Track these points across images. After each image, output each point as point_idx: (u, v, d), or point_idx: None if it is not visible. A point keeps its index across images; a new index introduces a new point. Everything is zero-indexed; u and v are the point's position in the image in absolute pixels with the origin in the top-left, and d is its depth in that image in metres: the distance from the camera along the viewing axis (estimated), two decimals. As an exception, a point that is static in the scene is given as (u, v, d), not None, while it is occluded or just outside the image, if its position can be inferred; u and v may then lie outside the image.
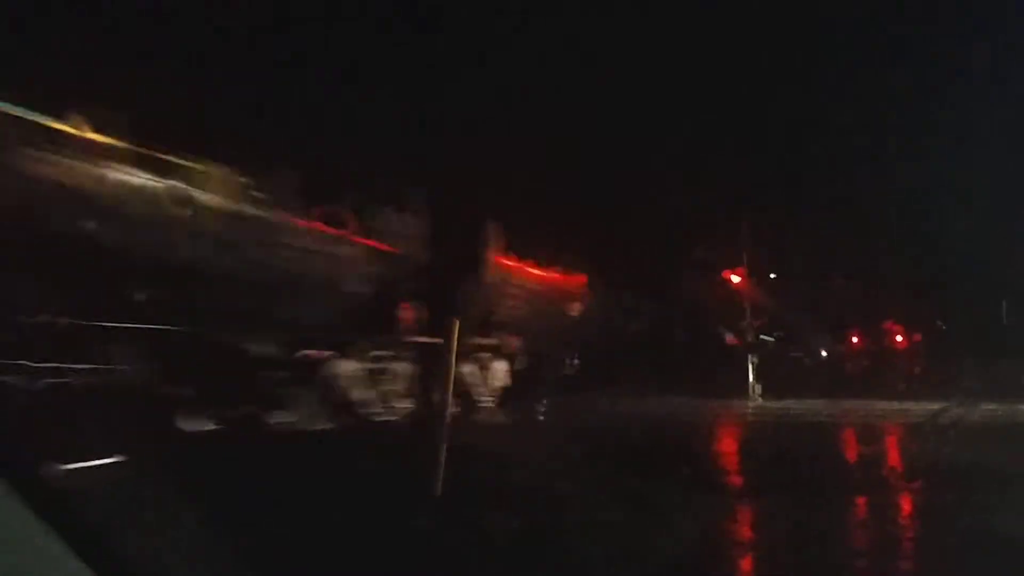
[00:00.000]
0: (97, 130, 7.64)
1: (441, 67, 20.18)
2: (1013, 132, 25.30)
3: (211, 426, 8.47)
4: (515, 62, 22.30)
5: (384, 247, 11.74)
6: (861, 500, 7.26)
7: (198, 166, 8.66)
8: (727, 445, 13.26)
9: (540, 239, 17.93)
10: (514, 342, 15.15)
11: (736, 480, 8.94)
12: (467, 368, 13.08)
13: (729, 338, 24.17)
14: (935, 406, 17.00)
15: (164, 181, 8.23)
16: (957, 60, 27.36)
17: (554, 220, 19.52)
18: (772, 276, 26.62)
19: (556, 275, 17.68)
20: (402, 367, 11.76)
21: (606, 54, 24.79)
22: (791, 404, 18.91)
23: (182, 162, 8.45)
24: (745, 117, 30.71)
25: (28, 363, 6.68)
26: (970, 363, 23.54)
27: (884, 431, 14.11)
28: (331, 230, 10.85)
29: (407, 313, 11.92)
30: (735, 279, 23.79)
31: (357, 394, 10.92)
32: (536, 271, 16.60)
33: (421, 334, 11.77)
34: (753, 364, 22.00)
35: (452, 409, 6.96)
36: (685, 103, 27.29)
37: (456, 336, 6.53)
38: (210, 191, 8.75)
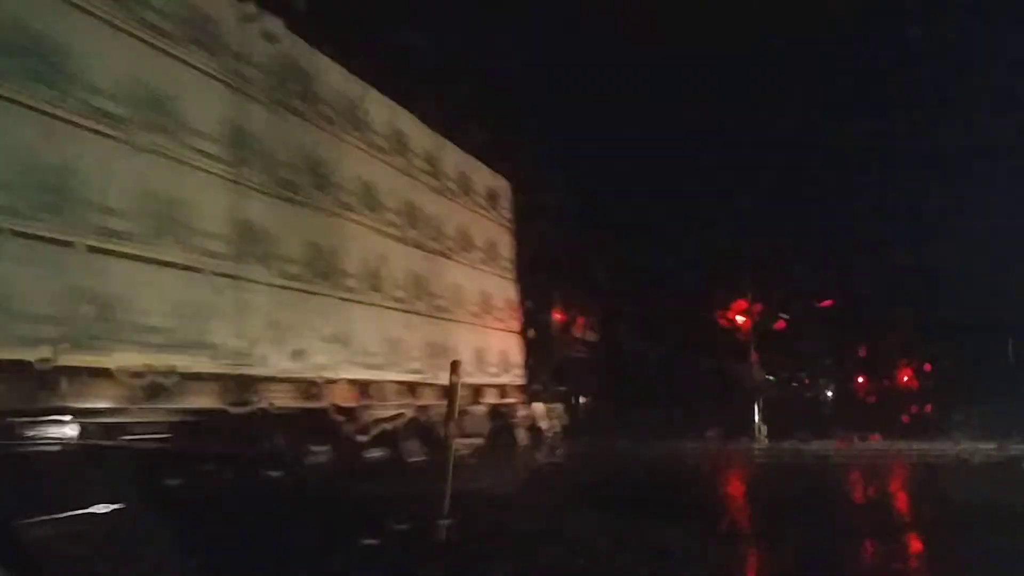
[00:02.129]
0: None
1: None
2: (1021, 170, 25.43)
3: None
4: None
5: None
6: (868, 546, 7.19)
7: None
8: (730, 491, 13.14)
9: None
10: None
11: (739, 528, 8.85)
12: None
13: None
14: (943, 446, 16.91)
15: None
16: (963, 96, 27.56)
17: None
18: (779, 316, 26.62)
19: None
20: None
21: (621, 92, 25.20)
22: (798, 445, 18.77)
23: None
24: (751, 153, 30.99)
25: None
26: (976, 403, 23.39)
27: (893, 472, 14.01)
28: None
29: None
30: (739, 319, 23.83)
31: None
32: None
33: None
34: (759, 405, 21.90)
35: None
36: (686, 131, 27.62)
37: (460, 379, 6.58)
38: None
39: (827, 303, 27.30)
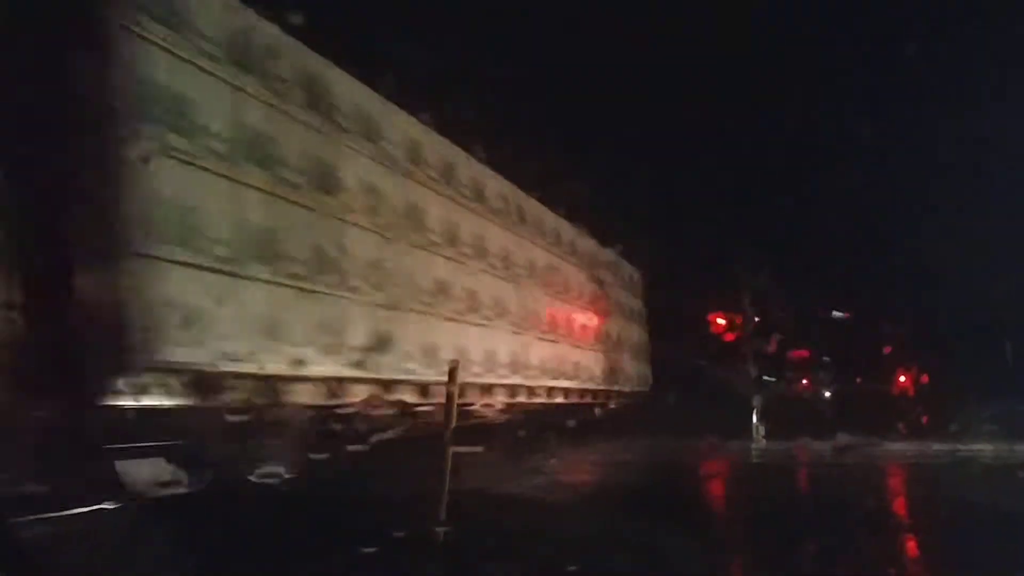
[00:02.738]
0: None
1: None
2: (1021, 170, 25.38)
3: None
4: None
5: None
6: (865, 545, 7.20)
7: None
8: (728, 488, 13.19)
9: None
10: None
11: (734, 524, 8.88)
12: None
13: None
14: (941, 447, 16.95)
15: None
16: (966, 107, 27.57)
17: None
18: (774, 316, 26.59)
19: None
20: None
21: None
22: (795, 446, 18.80)
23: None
24: (751, 153, 30.89)
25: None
26: (974, 404, 23.44)
27: (890, 473, 14.05)
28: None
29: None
30: (734, 320, 23.83)
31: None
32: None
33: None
34: (756, 405, 21.93)
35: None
36: (679, 124, 27.57)
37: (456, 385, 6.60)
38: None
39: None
